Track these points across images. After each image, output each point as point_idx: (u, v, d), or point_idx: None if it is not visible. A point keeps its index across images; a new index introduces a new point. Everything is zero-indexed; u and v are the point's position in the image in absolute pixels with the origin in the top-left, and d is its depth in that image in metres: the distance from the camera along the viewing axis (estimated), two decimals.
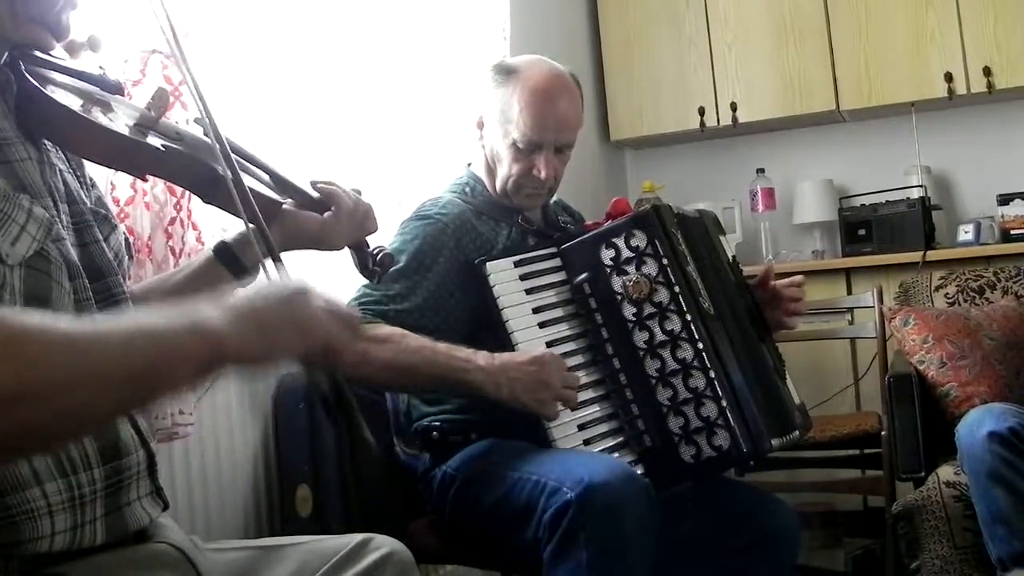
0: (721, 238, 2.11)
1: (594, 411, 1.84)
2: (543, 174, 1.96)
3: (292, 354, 0.97)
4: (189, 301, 0.91)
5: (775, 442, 1.84)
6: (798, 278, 2.10)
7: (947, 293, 3.02)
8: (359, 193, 1.46)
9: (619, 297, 1.86)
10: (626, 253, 1.86)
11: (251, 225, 1.15)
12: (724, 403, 1.78)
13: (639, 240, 1.86)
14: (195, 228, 1.94)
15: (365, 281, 1.80)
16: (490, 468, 1.80)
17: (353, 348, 1.02)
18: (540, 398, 1.73)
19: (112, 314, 1.08)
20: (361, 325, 1.75)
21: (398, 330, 1.80)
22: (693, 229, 1.98)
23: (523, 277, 1.89)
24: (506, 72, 2.00)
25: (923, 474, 2.46)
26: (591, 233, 1.93)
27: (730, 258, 2.09)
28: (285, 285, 1.01)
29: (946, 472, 2.39)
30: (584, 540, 1.58)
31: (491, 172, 2.04)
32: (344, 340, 1.01)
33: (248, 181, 1.29)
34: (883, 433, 2.78)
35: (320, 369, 1.03)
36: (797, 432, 1.92)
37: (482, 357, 1.75)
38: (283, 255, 1.39)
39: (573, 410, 1.80)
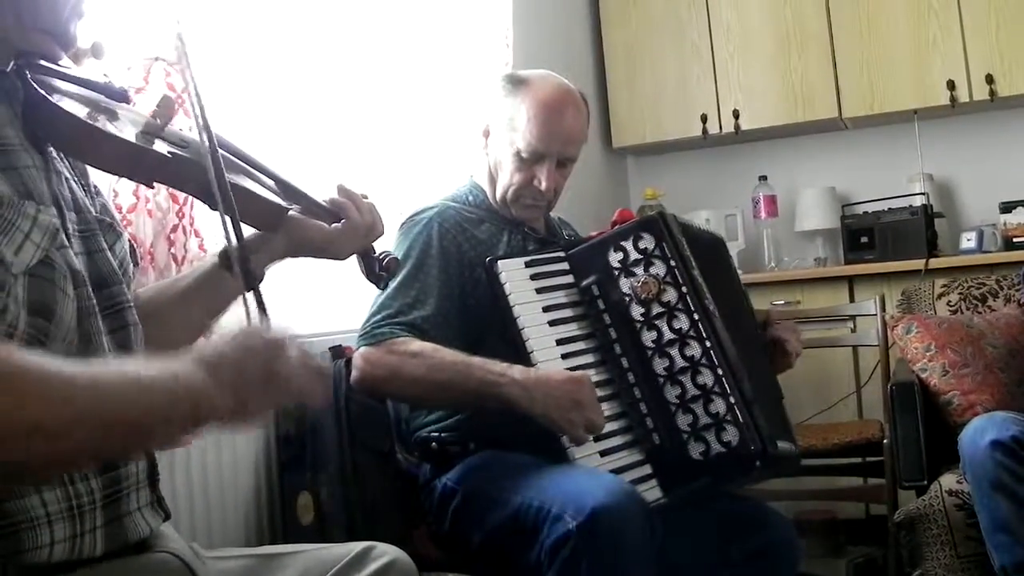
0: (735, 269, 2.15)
1: (603, 410, 1.83)
2: (544, 185, 1.98)
3: (267, 409, 1.02)
4: (175, 356, 0.97)
5: (781, 444, 1.83)
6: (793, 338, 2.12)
7: (949, 301, 3.02)
8: (366, 197, 1.46)
9: (627, 298, 1.87)
10: (634, 255, 1.88)
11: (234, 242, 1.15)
12: (732, 399, 1.79)
13: (647, 242, 1.88)
14: (197, 235, 1.94)
15: (368, 285, 1.81)
16: (491, 487, 1.79)
17: (322, 401, 1.11)
18: (571, 418, 1.72)
19: (105, 360, 1.09)
20: (391, 340, 1.78)
21: (430, 345, 1.81)
22: (697, 239, 2.00)
23: (533, 277, 1.90)
24: (516, 82, 2.02)
25: (925, 482, 2.46)
26: (599, 238, 1.95)
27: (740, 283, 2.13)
28: (261, 337, 1.02)
29: (948, 480, 2.39)
30: (586, 569, 1.57)
31: (493, 180, 2.05)
32: (315, 396, 1.05)
33: (255, 187, 1.29)
34: (885, 441, 2.78)
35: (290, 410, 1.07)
36: (795, 447, 1.93)
37: (517, 371, 1.76)
38: (289, 261, 1.40)
39: (596, 440, 1.79)
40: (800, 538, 2.05)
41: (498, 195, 2.04)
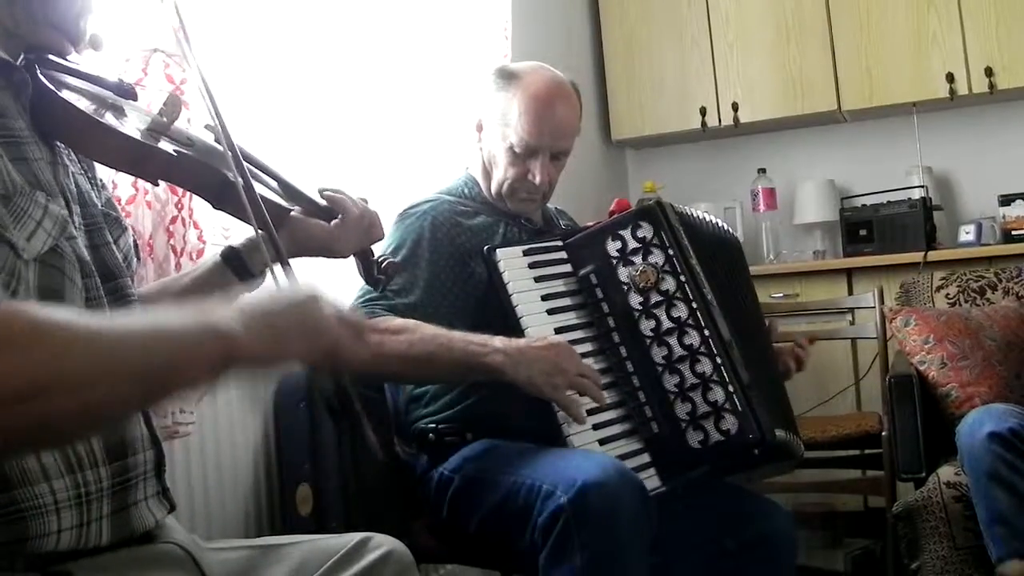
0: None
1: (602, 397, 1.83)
2: (538, 179, 1.98)
3: (300, 356, 0.98)
4: (203, 301, 0.95)
5: (780, 433, 1.83)
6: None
7: (948, 294, 3.02)
8: (366, 202, 1.47)
9: (625, 287, 1.88)
10: (632, 244, 1.89)
11: (261, 232, 1.16)
12: (731, 388, 1.79)
13: (645, 231, 1.88)
14: (196, 227, 1.94)
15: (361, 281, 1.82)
16: (486, 471, 1.80)
17: (358, 354, 1.04)
18: (555, 383, 1.71)
19: (129, 311, 1.09)
20: (372, 320, 1.77)
21: (411, 321, 1.81)
22: (700, 229, 2.00)
23: (532, 266, 1.91)
24: (507, 76, 2.01)
25: (923, 474, 2.46)
26: (596, 228, 1.95)
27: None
28: (296, 289, 1.04)
29: (946, 472, 2.39)
30: (579, 544, 1.58)
31: (487, 174, 2.05)
32: (351, 345, 1.03)
33: (257, 188, 1.29)
34: (884, 433, 2.78)
35: (326, 373, 1.06)
36: (797, 441, 1.93)
37: (499, 340, 1.75)
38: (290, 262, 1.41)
39: (596, 429, 1.79)
40: (798, 530, 2.06)
41: (493, 189, 2.04)
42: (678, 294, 1.84)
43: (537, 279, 1.90)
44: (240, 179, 1.17)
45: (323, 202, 1.43)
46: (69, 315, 0.83)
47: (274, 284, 1.11)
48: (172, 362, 0.86)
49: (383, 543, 1.22)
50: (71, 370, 0.78)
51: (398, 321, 1.81)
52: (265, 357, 0.95)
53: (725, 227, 2.13)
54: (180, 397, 1.00)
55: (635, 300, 1.87)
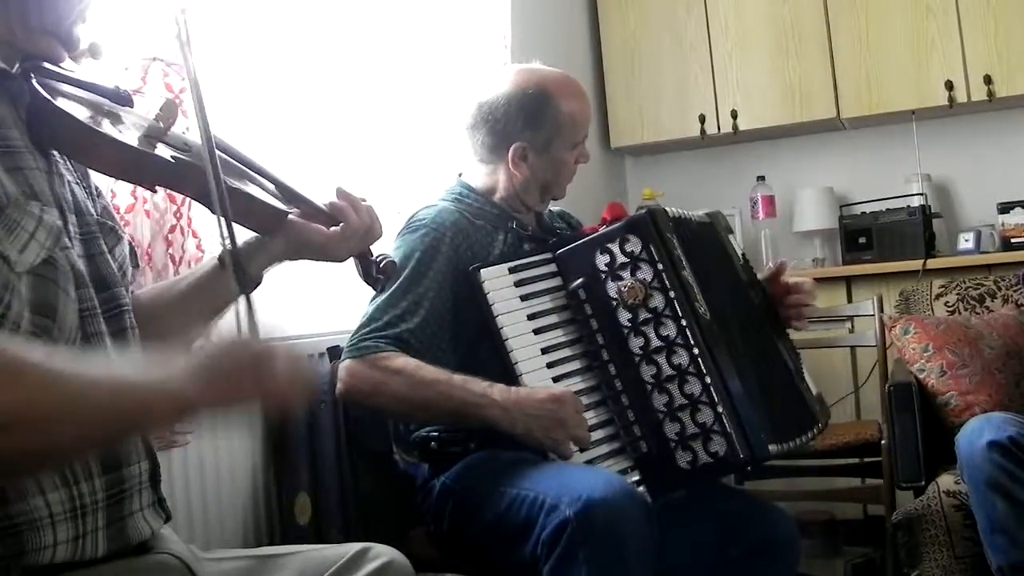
0: (730, 237, 2.15)
1: (590, 418, 1.82)
2: (587, 159, 2.09)
3: (248, 406, 1.07)
4: (162, 353, 1.04)
5: (773, 448, 1.83)
6: (808, 283, 2.15)
7: (947, 301, 3.02)
8: (364, 201, 1.46)
9: (614, 303, 1.85)
10: (621, 258, 1.86)
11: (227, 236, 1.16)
12: (720, 409, 1.77)
13: (634, 245, 1.85)
14: (195, 236, 1.94)
15: (365, 287, 1.81)
16: (488, 483, 1.79)
17: (300, 407, 1.11)
18: (554, 437, 1.72)
19: (98, 358, 1.11)
20: (376, 355, 1.77)
21: (412, 361, 1.79)
22: (692, 232, 1.98)
23: (518, 283, 1.88)
24: (538, 100, 1.99)
25: (923, 483, 2.46)
26: (586, 239, 1.92)
27: (740, 257, 2.10)
28: (251, 347, 1.06)
29: (946, 481, 2.39)
30: (583, 558, 1.57)
31: (512, 190, 2.03)
32: (295, 403, 1.08)
33: (255, 191, 1.29)
34: (883, 442, 2.77)
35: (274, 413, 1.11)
36: (820, 426, 1.98)
37: (498, 391, 1.75)
38: (288, 263, 1.41)
39: (583, 451, 1.78)
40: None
41: (558, 195, 2.08)
42: (667, 311, 1.82)
43: (524, 297, 1.87)
44: (213, 177, 1.15)
45: (323, 206, 1.42)
46: (43, 355, 0.90)
47: (234, 326, 1.14)
48: (132, 415, 0.96)
49: (382, 553, 1.22)
50: (43, 409, 0.85)
51: (401, 360, 1.79)
52: (219, 405, 1.03)
53: (707, 215, 2.10)
54: (140, 440, 1.10)
55: (624, 317, 1.84)
